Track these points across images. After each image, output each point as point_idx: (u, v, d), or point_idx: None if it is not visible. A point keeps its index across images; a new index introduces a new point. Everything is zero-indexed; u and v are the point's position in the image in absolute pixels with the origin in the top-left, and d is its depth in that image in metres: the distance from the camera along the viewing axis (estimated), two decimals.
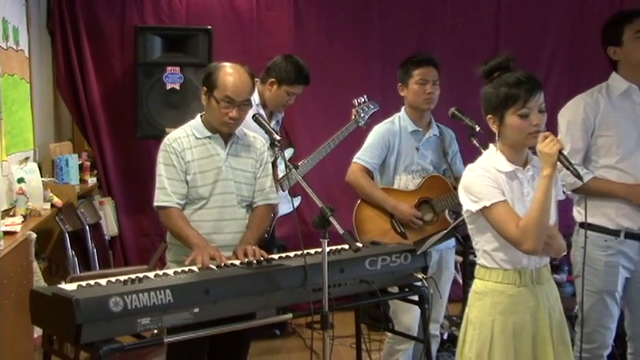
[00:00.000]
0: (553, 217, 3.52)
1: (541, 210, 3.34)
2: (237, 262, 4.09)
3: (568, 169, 3.39)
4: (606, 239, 4.49)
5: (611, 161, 4.49)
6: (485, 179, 3.46)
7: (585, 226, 4.37)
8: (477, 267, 3.62)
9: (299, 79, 5.57)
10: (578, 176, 3.42)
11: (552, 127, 4.56)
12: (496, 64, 3.58)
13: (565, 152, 4.38)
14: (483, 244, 3.56)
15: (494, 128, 3.56)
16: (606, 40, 4.59)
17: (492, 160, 3.54)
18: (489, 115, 3.54)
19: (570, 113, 4.57)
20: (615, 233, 4.48)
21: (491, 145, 3.62)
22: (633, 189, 4.43)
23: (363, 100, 5.85)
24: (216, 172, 4.37)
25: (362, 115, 5.79)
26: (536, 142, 3.41)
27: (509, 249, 3.45)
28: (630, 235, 4.47)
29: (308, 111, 7.81)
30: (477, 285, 3.60)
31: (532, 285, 3.51)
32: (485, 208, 3.42)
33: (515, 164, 3.51)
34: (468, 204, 3.50)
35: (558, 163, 3.35)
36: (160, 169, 4.36)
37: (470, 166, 3.62)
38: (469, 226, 3.62)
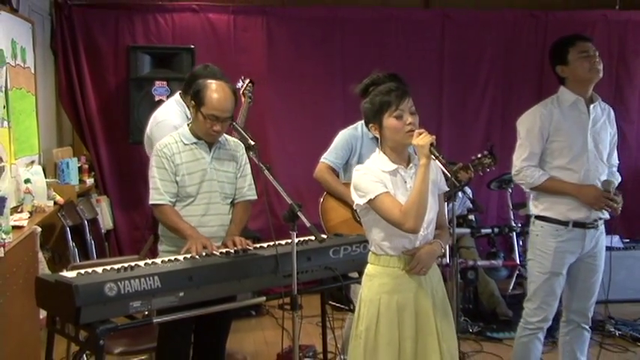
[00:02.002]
0: (434, 211, 3.59)
1: (419, 194, 3.38)
2: (217, 252, 4.08)
3: (437, 158, 3.42)
4: (557, 229, 4.54)
5: (562, 162, 4.54)
6: (369, 176, 3.50)
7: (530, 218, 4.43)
8: (369, 254, 3.65)
9: None
10: (446, 166, 3.48)
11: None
12: (370, 81, 3.65)
13: (522, 157, 4.55)
14: (373, 235, 3.58)
15: (376, 134, 3.62)
16: (554, 60, 4.63)
17: (376, 161, 3.58)
18: (371, 124, 3.59)
19: (529, 122, 4.61)
20: (565, 224, 4.54)
21: (377, 149, 3.65)
22: (582, 189, 4.49)
23: (243, 78, 5.88)
24: (202, 174, 4.35)
25: (249, 94, 5.81)
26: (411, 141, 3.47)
27: (395, 238, 3.50)
28: (577, 224, 4.53)
29: (279, 118, 7.85)
30: (368, 269, 3.64)
31: None
32: (370, 200, 3.45)
33: (397, 164, 3.55)
34: (357, 199, 3.53)
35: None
36: (153, 172, 4.33)
37: (357, 166, 3.67)
38: (362, 220, 3.66)
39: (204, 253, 4.03)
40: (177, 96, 5.35)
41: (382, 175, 3.51)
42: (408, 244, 3.52)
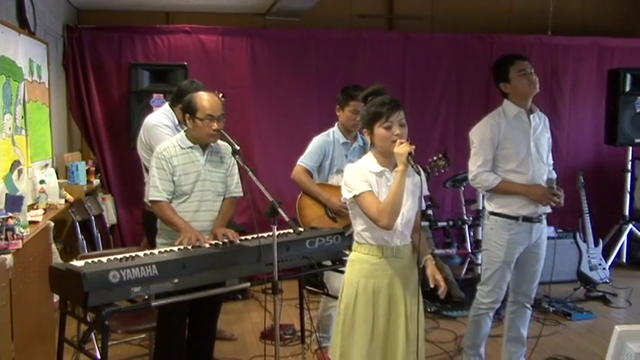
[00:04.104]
0: (413, 211, 3.62)
1: (394, 196, 3.40)
2: (207, 244, 4.09)
3: (412, 166, 3.43)
4: (509, 223, 4.61)
5: (512, 166, 4.60)
6: (357, 175, 3.52)
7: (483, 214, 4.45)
8: (354, 242, 3.67)
9: None
10: (418, 173, 3.50)
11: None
12: (370, 91, 3.65)
13: (478, 163, 4.60)
14: (357, 225, 3.61)
15: (368, 139, 3.63)
16: (497, 78, 4.68)
17: (366, 162, 3.60)
18: (365, 129, 3.61)
19: (481, 133, 4.64)
20: (515, 219, 4.61)
21: (368, 152, 3.66)
22: (531, 188, 4.56)
23: (217, 92, 5.82)
24: (196, 174, 4.35)
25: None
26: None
27: (373, 229, 3.51)
28: (525, 219, 4.61)
29: (261, 126, 7.84)
30: (351, 255, 3.67)
31: (392, 258, 3.56)
32: (355, 196, 3.48)
33: (385, 167, 3.56)
34: (345, 193, 3.55)
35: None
36: (153, 172, 4.33)
37: (348, 165, 3.68)
38: (349, 212, 3.67)
39: (196, 245, 4.03)
40: (166, 105, 5.43)
41: (369, 175, 3.53)
42: (387, 235, 3.53)
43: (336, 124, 5.22)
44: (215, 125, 4.29)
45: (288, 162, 5.36)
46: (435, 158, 5.07)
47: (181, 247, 4.00)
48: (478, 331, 4.79)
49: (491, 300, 4.72)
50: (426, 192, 3.72)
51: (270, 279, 3.92)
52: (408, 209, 3.55)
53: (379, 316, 3.54)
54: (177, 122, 5.22)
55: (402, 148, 3.40)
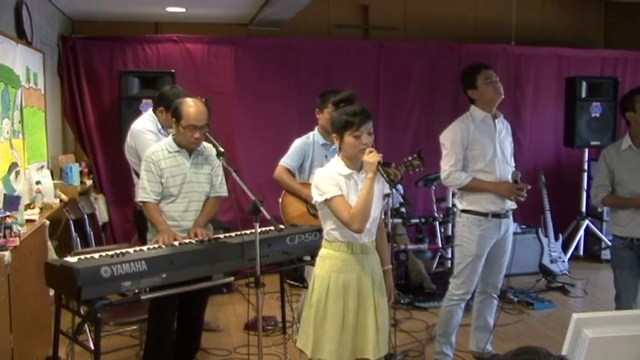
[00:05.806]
0: (378, 210, 3.64)
1: (364, 202, 3.41)
2: (193, 240, 4.10)
3: (382, 175, 3.48)
4: (479, 219, 4.68)
5: (480, 166, 4.66)
6: (328, 179, 3.52)
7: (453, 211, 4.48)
8: (323, 239, 3.67)
9: None
10: (390, 183, 3.54)
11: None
12: (342, 97, 3.65)
13: (450, 163, 4.65)
14: (327, 225, 3.61)
15: (337, 144, 3.61)
16: (465, 85, 4.74)
17: (335, 166, 3.60)
18: (334, 134, 3.59)
19: (451, 135, 4.69)
20: (485, 215, 4.68)
21: (336, 155, 3.67)
22: (498, 185, 4.65)
23: (199, 97, 5.72)
24: (183, 177, 4.34)
25: None
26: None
27: (342, 229, 3.51)
28: (494, 215, 4.68)
29: (245, 129, 7.82)
30: (321, 252, 3.66)
31: (360, 254, 3.57)
32: (327, 200, 3.49)
33: (352, 169, 3.56)
34: (316, 196, 3.55)
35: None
36: (142, 174, 4.33)
37: (319, 169, 3.68)
38: (319, 212, 3.67)
39: (185, 242, 4.04)
40: (150, 111, 5.39)
41: (339, 178, 3.52)
42: (356, 234, 3.53)
43: (316, 127, 5.22)
44: (197, 134, 4.27)
45: (269, 163, 5.36)
46: (410, 158, 5.09)
47: (168, 243, 3.99)
48: (450, 320, 4.83)
49: (463, 292, 4.77)
50: (387, 190, 3.73)
51: (253, 273, 3.92)
52: (374, 209, 3.56)
53: (349, 309, 3.54)
54: (159, 127, 5.21)
55: (372, 158, 3.42)
